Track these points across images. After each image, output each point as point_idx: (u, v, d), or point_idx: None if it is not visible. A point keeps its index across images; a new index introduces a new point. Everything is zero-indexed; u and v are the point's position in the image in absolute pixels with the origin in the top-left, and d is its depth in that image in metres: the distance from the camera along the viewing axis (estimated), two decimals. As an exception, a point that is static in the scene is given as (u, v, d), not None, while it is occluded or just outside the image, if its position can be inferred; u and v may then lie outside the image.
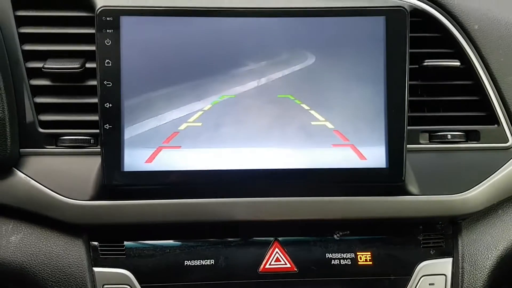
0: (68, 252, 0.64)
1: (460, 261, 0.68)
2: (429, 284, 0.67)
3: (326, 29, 0.63)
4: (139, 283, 0.64)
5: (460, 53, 0.69)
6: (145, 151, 0.62)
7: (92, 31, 0.62)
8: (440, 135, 0.69)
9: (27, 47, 0.66)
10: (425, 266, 0.68)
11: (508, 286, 0.79)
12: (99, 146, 0.63)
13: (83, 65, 0.65)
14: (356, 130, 0.63)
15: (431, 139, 0.69)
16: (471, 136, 0.70)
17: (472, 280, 0.67)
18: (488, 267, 0.68)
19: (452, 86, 0.70)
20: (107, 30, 0.61)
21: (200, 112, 0.63)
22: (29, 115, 0.65)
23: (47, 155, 0.65)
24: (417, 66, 0.68)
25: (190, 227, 0.65)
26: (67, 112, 0.66)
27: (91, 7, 0.64)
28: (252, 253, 0.66)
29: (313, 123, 0.63)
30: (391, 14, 0.64)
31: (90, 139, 0.66)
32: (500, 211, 0.71)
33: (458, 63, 0.68)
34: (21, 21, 0.66)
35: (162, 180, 0.62)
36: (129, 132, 0.62)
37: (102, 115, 0.61)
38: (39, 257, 0.64)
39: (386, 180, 0.64)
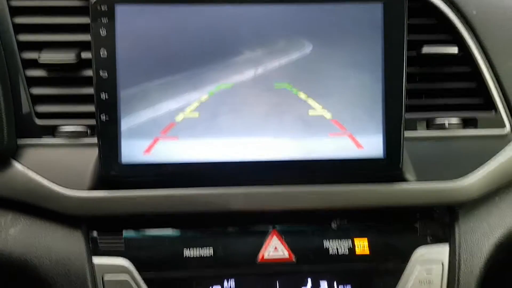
0: (67, 243, 0.65)
1: (457, 248, 0.68)
2: (426, 272, 0.67)
3: (323, 16, 0.63)
4: (138, 272, 0.64)
5: (458, 39, 0.69)
6: (143, 142, 0.61)
7: (87, 20, 0.61)
8: (437, 122, 0.69)
9: (22, 38, 0.65)
10: (422, 254, 0.68)
11: (505, 272, 0.80)
12: (96, 137, 0.63)
13: (78, 55, 0.65)
14: (354, 119, 0.63)
15: (429, 127, 0.69)
16: (468, 123, 0.70)
17: (469, 267, 0.68)
18: (485, 254, 0.68)
19: (450, 72, 0.70)
20: (102, 20, 0.60)
21: (197, 103, 0.62)
22: (26, 106, 0.65)
23: (44, 146, 0.65)
24: (415, 53, 0.68)
25: (188, 216, 0.66)
26: (63, 103, 0.66)
27: (85, -4, 0.64)
28: (250, 243, 0.67)
29: (310, 112, 0.63)
30: (389, 0, 0.63)
31: (87, 130, 0.66)
32: (497, 198, 0.72)
33: (456, 50, 0.68)
34: (15, 11, 0.65)
35: (160, 171, 0.62)
36: (126, 123, 0.61)
37: (99, 106, 0.61)
38: (39, 249, 0.64)
39: (383, 169, 0.64)
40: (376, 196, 0.65)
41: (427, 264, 0.68)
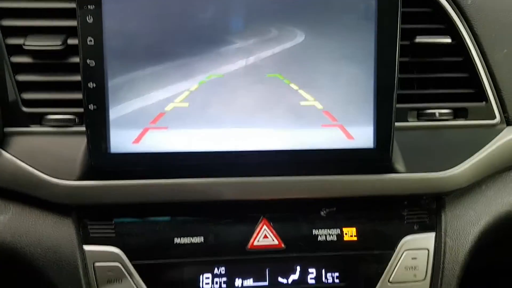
0: (57, 231, 0.65)
1: (442, 236, 0.70)
2: (412, 259, 0.69)
3: (316, 5, 0.61)
4: (130, 259, 0.65)
5: (451, 29, 0.68)
6: (132, 132, 0.61)
7: (73, 5, 0.60)
8: (428, 113, 0.69)
9: (6, 23, 0.63)
10: (408, 241, 0.69)
11: (489, 257, 0.82)
12: (84, 125, 0.62)
13: (64, 42, 0.63)
14: (345, 110, 0.63)
15: (419, 117, 0.69)
16: (459, 113, 0.70)
17: (454, 254, 0.69)
18: (469, 242, 0.70)
19: (442, 62, 0.69)
20: (89, 7, 0.58)
21: (187, 92, 0.61)
22: (12, 94, 0.64)
23: (32, 134, 0.64)
24: (408, 42, 0.67)
25: (179, 204, 0.66)
26: (50, 90, 0.65)
27: (71, -20, 0.61)
28: (240, 231, 0.67)
29: (302, 103, 0.62)
30: None
31: (75, 118, 0.65)
32: (484, 186, 0.73)
33: (449, 40, 0.67)
34: (-2, -5, 0.63)
35: (150, 162, 0.61)
36: (115, 113, 0.60)
37: (86, 95, 0.60)
38: (29, 237, 0.64)
39: (373, 160, 0.64)
40: (365, 187, 0.66)
41: (413, 250, 0.69)
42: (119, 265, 0.65)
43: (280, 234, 0.68)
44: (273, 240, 0.68)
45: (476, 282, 0.81)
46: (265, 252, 0.68)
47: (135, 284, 0.65)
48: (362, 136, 0.63)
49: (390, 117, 0.63)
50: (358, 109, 0.63)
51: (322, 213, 0.69)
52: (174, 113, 0.61)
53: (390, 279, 0.69)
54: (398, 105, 0.66)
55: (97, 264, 0.65)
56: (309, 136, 0.63)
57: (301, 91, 0.62)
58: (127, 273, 0.65)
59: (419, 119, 0.69)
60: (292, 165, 0.64)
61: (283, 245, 0.68)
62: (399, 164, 0.67)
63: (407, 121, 0.69)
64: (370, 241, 0.69)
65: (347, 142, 0.63)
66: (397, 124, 0.65)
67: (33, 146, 0.64)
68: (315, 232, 0.68)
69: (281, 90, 0.62)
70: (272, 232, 0.68)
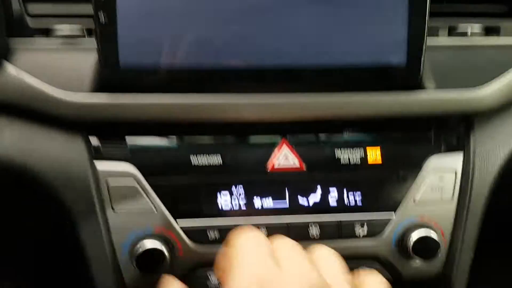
0: (67, 148, 0.61)
1: (471, 156, 0.66)
2: (439, 178, 0.66)
3: None
4: (144, 177, 0.62)
5: None
6: (144, 45, 0.57)
7: None
8: (459, 31, 0.65)
9: None
10: (435, 161, 0.66)
11: None
12: (93, 39, 0.58)
13: (70, -50, 0.59)
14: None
15: (450, 34, 0.66)
16: (491, 31, 0.66)
17: (483, 175, 0.66)
18: (499, 162, 0.66)
19: None
20: None
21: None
22: (16, 6, 0.60)
23: (39, 49, 0.60)
24: None
25: (195, 122, 0.62)
26: (58, 2, 0.61)
27: None
28: (260, 152, 0.64)
29: None
30: None
31: (84, 32, 0.61)
32: (513, 109, 0.69)
33: None
34: None
35: (163, 75, 0.58)
36: (126, 25, 0.56)
37: (96, 6, 0.55)
38: (38, 154, 0.60)
39: (403, 77, 0.60)
40: (393, 105, 0.62)
41: (440, 172, 0.66)
42: (134, 181, 0.61)
43: (301, 155, 0.65)
44: (294, 162, 0.65)
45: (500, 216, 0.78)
46: (286, 175, 0.65)
47: (150, 201, 0.62)
48: (392, 51, 0.59)
49: (422, 32, 0.58)
50: (389, 24, 0.59)
51: (345, 134, 0.66)
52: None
53: (415, 199, 0.66)
54: (429, 22, 0.61)
55: (110, 180, 0.62)
56: (334, 49, 0.59)
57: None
58: (142, 190, 0.62)
59: (450, 37, 0.66)
60: (316, 81, 0.60)
61: (304, 167, 0.65)
62: (428, 82, 0.63)
63: (438, 38, 0.65)
64: (395, 161, 0.66)
65: (376, 58, 0.59)
66: (427, 41, 0.60)
67: (39, 60, 0.60)
68: (337, 153, 0.65)
69: None
70: (293, 153, 0.65)
